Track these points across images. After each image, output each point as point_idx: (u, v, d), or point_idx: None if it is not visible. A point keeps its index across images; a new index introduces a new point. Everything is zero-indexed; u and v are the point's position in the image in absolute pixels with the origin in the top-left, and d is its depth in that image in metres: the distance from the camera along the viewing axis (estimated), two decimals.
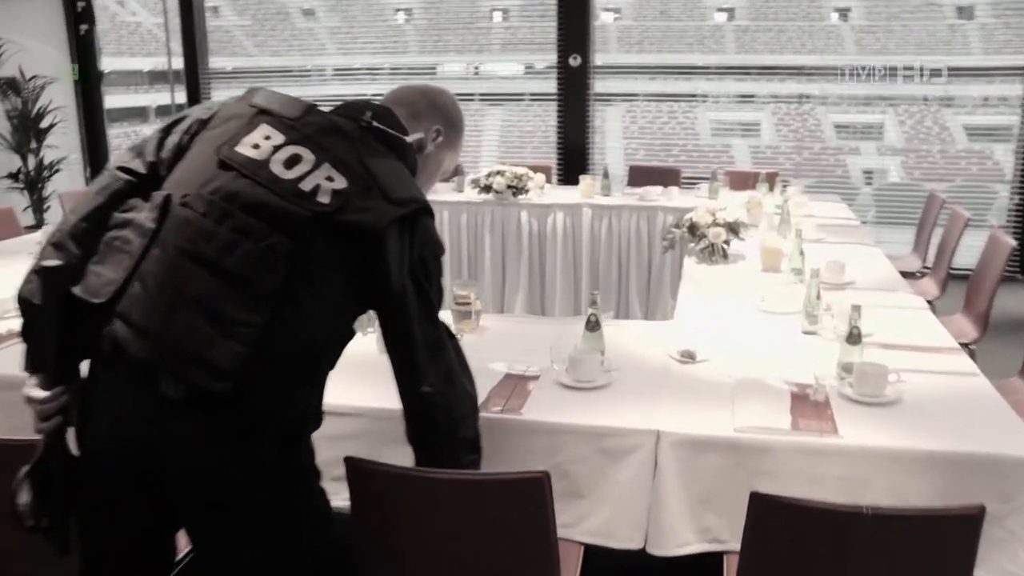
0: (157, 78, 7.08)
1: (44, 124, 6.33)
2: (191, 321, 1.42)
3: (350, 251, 1.52)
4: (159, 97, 6.95)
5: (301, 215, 1.48)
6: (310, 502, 1.64)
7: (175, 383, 1.43)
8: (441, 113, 1.81)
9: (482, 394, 2.19)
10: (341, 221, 1.49)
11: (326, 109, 1.66)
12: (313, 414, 1.62)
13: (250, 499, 1.52)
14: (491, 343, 2.65)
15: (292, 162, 1.52)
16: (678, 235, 3.65)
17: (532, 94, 6.37)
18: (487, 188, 5.14)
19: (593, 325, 2.38)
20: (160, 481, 1.49)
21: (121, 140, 7.67)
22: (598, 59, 6.37)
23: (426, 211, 1.61)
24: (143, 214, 1.50)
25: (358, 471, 1.68)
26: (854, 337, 2.21)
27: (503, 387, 2.26)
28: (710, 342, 2.51)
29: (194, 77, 6.82)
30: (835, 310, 2.61)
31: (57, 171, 6.52)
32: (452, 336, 1.74)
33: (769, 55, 7.20)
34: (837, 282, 3.13)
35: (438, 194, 5.36)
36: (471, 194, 5.25)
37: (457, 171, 5.58)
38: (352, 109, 1.66)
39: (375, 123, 1.63)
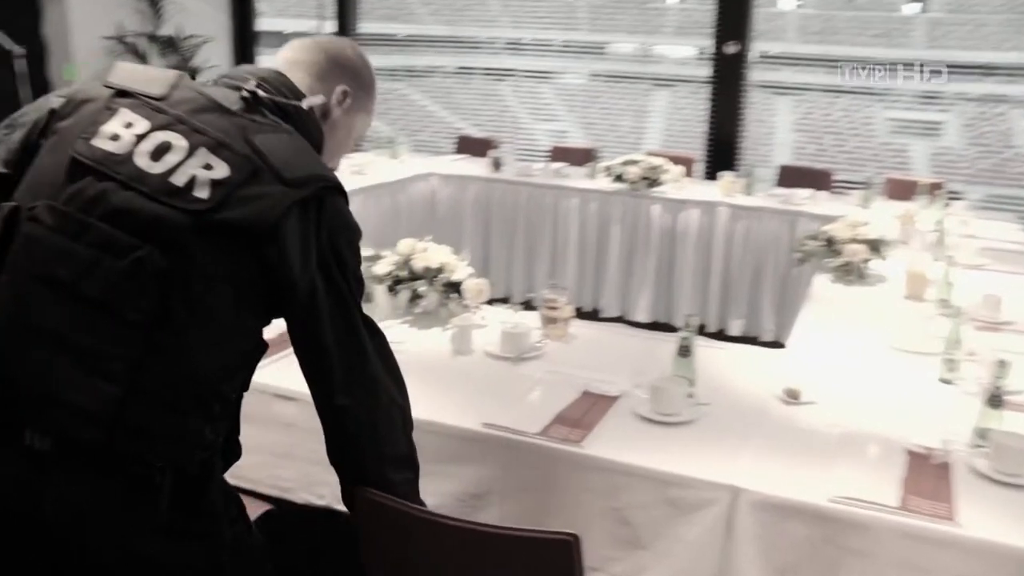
0: None
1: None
2: (49, 360, 1.19)
3: (240, 255, 1.25)
4: None
5: (174, 219, 1.22)
6: (234, 549, 1.38)
7: (40, 434, 1.20)
8: (347, 71, 1.51)
9: (550, 413, 1.96)
10: (223, 220, 1.23)
11: (203, 80, 1.42)
12: (227, 449, 1.39)
13: (158, 559, 1.28)
14: (578, 353, 2.40)
15: (160, 152, 1.25)
16: (812, 248, 3.26)
17: (703, 79, 5.98)
18: (619, 177, 4.85)
19: (684, 350, 2.09)
20: (43, 554, 1.26)
21: None
22: (774, 48, 5.93)
23: (334, 188, 1.33)
24: None
25: (369, 505, 1.47)
26: (995, 399, 1.83)
27: (576, 407, 2.01)
28: (823, 379, 2.17)
29: None
30: (980, 357, 2.21)
31: None
32: (377, 333, 1.45)
33: (962, 51, 6.56)
34: (991, 321, 2.69)
35: (570, 179, 5.12)
36: (603, 182, 4.97)
37: (591, 156, 5.31)
38: (233, 78, 1.39)
39: (261, 92, 1.35)
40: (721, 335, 4.45)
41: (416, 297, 2.61)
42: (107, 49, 5.94)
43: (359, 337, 1.39)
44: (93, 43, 5.86)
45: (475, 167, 5.52)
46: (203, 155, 1.25)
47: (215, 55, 6.49)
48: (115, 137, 1.26)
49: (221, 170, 1.25)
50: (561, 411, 2.00)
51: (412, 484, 1.51)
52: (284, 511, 2.09)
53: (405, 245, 2.73)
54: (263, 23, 7.12)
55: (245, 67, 1.46)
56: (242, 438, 1.92)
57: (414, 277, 2.64)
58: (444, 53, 7.36)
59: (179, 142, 1.26)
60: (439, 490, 1.96)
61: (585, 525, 1.82)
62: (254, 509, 1.78)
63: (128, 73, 1.35)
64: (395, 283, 2.65)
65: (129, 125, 1.27)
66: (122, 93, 1.32)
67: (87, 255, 1.20)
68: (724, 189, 4.77)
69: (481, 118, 7.18)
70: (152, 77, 1.34)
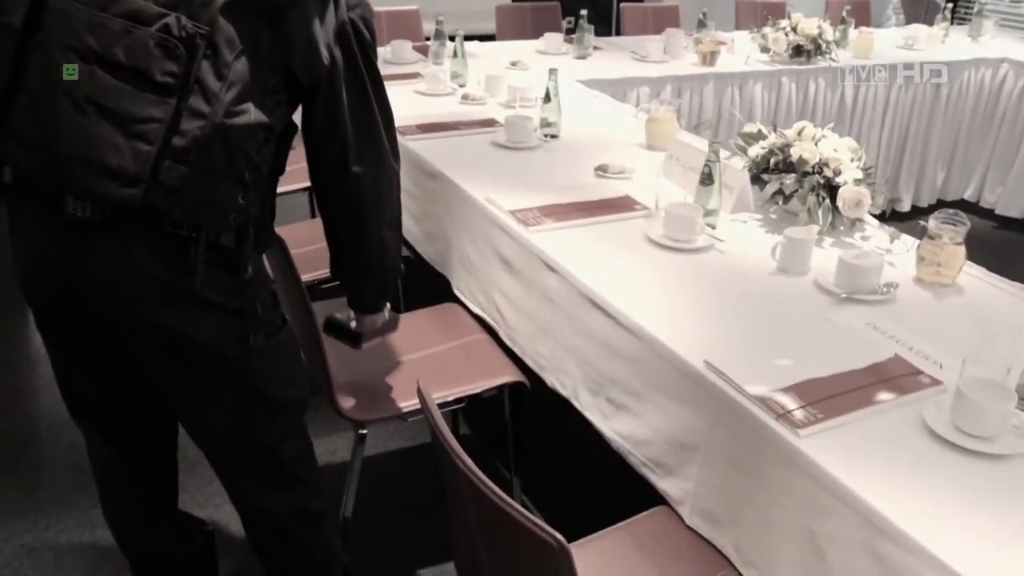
0: None
1: None
2: (87, 126, 1.24)
3: (262, 29, 1.29)
4: None
5: None
6: (267, 332, 1.43)
7: (81, 201, 1.26)
8: None
9: (802, 374, 1.48)
10: None
11: None
12: (256, 225, 1.38)
13: (190, 327, 1.34)
14: (942, 315, 1.78)
15: None
16: None
17: None
18: None
19: None
20: (87, 322, 1.36)
21: None
22: None
23: None
24: (15, 16, 1.28)
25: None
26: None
27: (848, 379, 1.48)
28: None
29: None
30: None
31: None
32: (384, 102, 1.50)
33: None
34: None
35: None
36: None
37: None
38: None
39: None
40: None
41: (780, 193, 2.12)
42: None
43: (371, 110, 1.47)
44: None
45: None
46: None
47: None
48: None
49: None
50: (820, 376, 1.48)
51: (399, 243, 1.64)
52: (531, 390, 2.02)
53: (796, 129, 2.21)
54: None
55: None
56: (512, 298, 2.06)
57: (787, 168, 2.14)
58: None
59: None
60: (651, 423, 1.67)
61: (779, 537, 1.38)
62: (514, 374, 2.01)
63: None
64: (761, 172, 2.18)
65: None
66: None
67: (116, 25, 1.24)
68: None
69: None
70: None
